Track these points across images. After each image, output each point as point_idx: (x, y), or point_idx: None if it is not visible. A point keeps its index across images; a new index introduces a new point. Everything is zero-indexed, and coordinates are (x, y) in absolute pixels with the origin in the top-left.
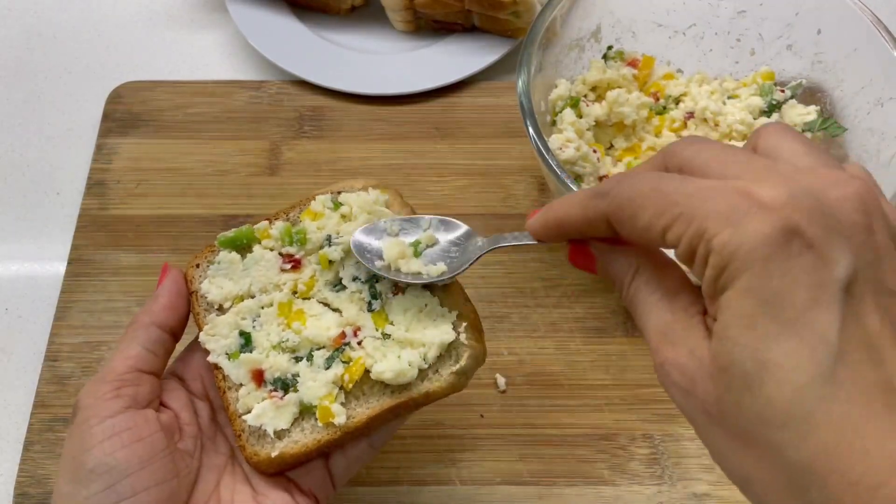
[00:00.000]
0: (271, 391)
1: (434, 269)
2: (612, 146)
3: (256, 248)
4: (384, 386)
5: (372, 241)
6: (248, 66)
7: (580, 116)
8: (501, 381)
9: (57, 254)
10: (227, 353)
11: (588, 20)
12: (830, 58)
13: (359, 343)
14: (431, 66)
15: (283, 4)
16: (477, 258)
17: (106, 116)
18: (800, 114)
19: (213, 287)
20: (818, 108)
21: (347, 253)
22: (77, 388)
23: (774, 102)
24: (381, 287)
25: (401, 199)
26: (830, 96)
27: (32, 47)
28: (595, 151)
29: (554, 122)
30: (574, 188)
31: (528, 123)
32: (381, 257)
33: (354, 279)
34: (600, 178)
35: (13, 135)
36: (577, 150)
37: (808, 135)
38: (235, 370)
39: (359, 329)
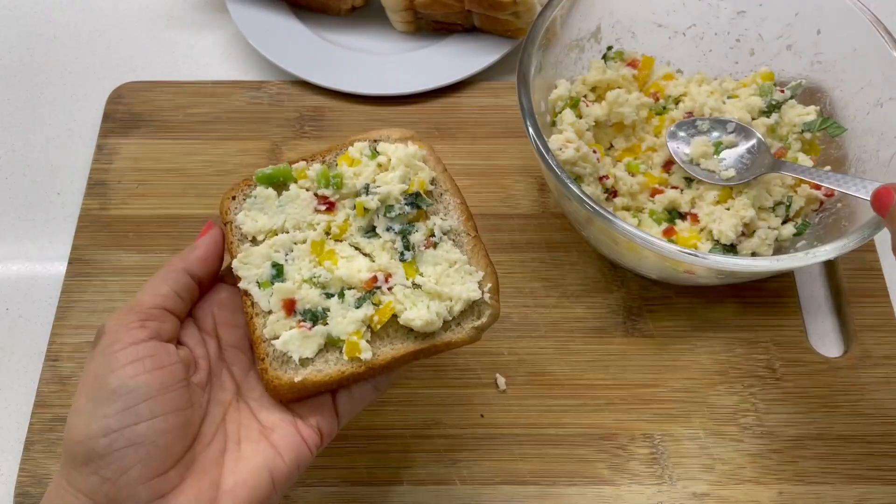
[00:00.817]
0: (300, 321)
1: (725, 174)
2: (611, 146)
3: (293, 186)
4: (408, 331)
5: (681, 146)
6: (248, 66)
7: (580, 117)
8: (501, 381)
9: (58, 254)
10: (257, 282)
11: (588, 20)
12: (830, 58)
13: (389, 289)
14: (431, 66)
15: (283, 4)
16: (760, 174)
17: (106, 117)
18: (799, 114)
19: (248, 219)
20: (818, 108)
21: (383, 202)
22: None
23: (774, 102)
24: (415, 239)
25: (435, 154)
26: (830, 96)
27: (33, 48)
28: (595, 152)
29: (554, 123)
30: (574, 188)
31: (528, 123)
32: (686, 153)
33: (388, 229)
34: (600, 179)
35: (13, 135)
36: (577, 151)
37: (808, 135)
38: (265, 298)
39: (390, 276)
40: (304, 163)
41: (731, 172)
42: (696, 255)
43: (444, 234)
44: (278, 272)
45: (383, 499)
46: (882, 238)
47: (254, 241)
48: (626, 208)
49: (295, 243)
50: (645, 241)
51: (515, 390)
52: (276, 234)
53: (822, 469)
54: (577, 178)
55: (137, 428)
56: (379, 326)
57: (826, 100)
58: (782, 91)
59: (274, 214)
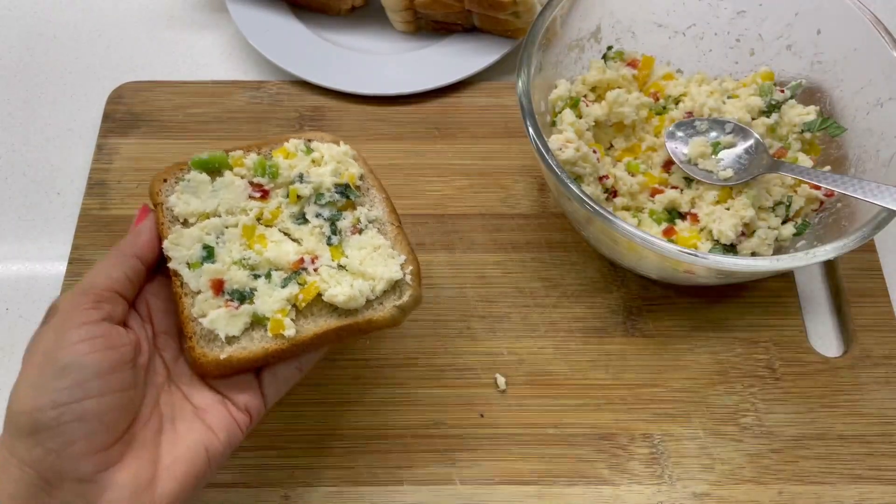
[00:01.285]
0: (228, 301)
1: (722, 174)
2: (611, 146)
3: (227, 173)
4: (333, 309)
5: (679, 146)
6: (248, 66)
7: (580, 117)
8: (501, 380)
9: (58, 254)
10: (187, 263)
11: (588, 20)
12: (830, 58)
13: (315, 269)
14: (431, 66)
15: (283, 4)
16: (758, 174)
17: (106, 117)
18: (799, 114)
19: (180, 202)
20: (817, 108)
21: (315, 191)
22: None
23: (774, 102)
24: (342, 225)
25: (363, 157)
26: (830, 96)
27: (33, 48)
28: (595, 152)
29: (554, 123)
30: (574, 188)
31: (528, 123)
32: (685, 153)
33: (318, 216)
34: (600, 179)
35: (13, 135)
36: (577, 151)
37: (808, 135)
38: (195, 278)
39: (316, 258)
40: (241, 152)
41: (729, 173)
42: (696, 255)
43: (370, 222)
44: (208, 254)
45: (383, 499)
46: (882, 238)
47: (185, 224)
48: (626, 208)
49: (226, 227)
50: (645, 241)
51: (515, 390)
52: (209, 218)
53: (822, 469)
54: (577, 178)
55: (85, 403)
56: (304, 304)
57: (826, 100)
58: (782, 91)
59: (207, 199)
